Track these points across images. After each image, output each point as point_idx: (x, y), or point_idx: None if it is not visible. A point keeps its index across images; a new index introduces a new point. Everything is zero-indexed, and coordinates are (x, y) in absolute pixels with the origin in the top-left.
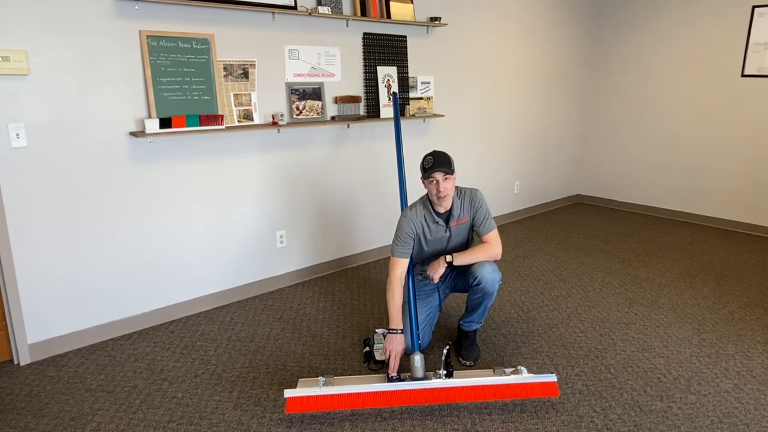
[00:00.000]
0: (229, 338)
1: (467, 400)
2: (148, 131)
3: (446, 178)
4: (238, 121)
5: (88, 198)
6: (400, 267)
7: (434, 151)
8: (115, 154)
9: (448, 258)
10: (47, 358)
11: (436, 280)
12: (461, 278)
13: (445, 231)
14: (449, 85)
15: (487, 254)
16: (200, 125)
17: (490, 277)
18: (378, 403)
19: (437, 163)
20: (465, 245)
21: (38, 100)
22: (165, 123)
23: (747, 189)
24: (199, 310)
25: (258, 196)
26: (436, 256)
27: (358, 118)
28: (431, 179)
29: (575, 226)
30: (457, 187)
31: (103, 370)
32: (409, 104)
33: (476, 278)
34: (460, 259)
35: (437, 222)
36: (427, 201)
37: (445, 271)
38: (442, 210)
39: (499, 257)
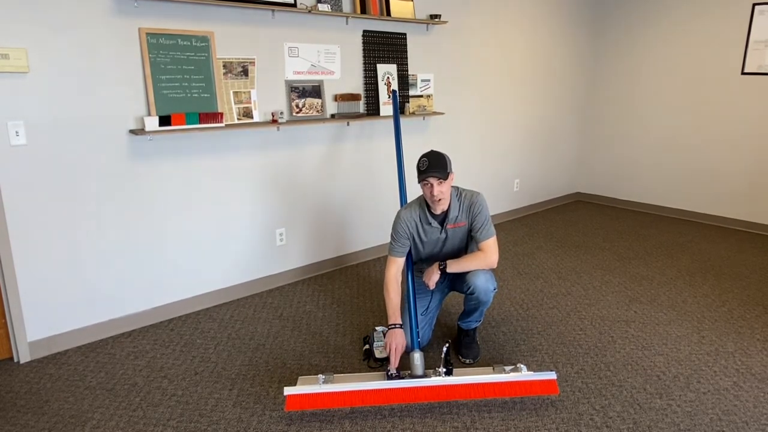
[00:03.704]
0: (229, 336)
1: (467, 397)
2: (147, 129)
3: (441, 182)
4: (238, 119)
5: (87, 196)
6: (395, 266)
7: (430, 152)
8: (115, 152)
9: (442, 265)
10: (47, 355)
11: (432, 287)
12: (459, 280)
13: (441, 233)
14: (449, 83)
15: (481, 263)
16: (200, 123)
17: (483, 287)
18: (378, 400)
19: (432, 166)
20: (463, 248)
21: (37, 98)
22: (164, 121)
23: (747, 187)
24: (198, 308)
25: (258, 194)
26: (432, 256)
27: (357, 116)
28: (426, 182)
29: (575, 224)
30: (457, 188)
31: (103, 368)
32: (408, 102)
33: (470, 288)
34: (454, 267)
35: (431, 224)
36: (423, 201)
37: (441, 276)
38: (438, 211)
39: (494, 266)
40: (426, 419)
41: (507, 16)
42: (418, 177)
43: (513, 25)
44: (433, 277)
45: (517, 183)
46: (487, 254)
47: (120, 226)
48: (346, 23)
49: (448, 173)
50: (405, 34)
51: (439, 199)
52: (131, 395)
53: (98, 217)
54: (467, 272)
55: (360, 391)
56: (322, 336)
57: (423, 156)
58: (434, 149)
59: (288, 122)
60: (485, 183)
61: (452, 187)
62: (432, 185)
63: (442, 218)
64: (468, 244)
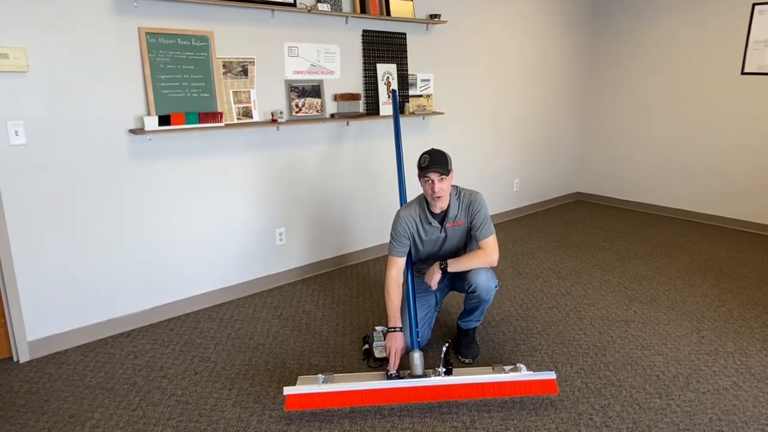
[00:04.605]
0: (229, 336)
1: (466, 397)
2: (147, 129)
3: (442, 179)
4: (238, 119)
5: (87, 195)
6: (396, 266)
7: (431, 150)
8: (115, 152)
9: (443, 264)
10: (47, 355)
11: (434, 287)
12: (459, 279)
13: (440, 231)
14: (449, 83)
15: (482, 261)
16: (199, 123)
17: (485, 285)
18: (377, 400)
19: (433, 162)
20: (462, 247)
21: (37, 98)
22: (164, 120)
23: (746, 187)
24: (198, 308)
25: (257, 194)
26: (431, 256)
27: (357, 116)
28: (426, 179)
29: (574, 224)
30: (457, 187)
31: (103, 368)
32: (408, 102)
33: (471, 286)
34: (455, 266)
35: (431, 223)
36: (423, 200)
37: (442, 276)
38: (437, 210)
39: (495, 264)
40: (425, 419)
41: (507, 15)
42: (419, 173)
43: (513, 24)
44: (434, 277)
45: (517, 183)
46: (488, 252)
47: (119, 225)
48: (346, 23)
49: (449, 170)
50: (405, 34)
51: (440, 196)
52: (131, 395)
53: (98, 216)
54: (468, 271)
55: (359, 390)
56: (322, 336)
57: (424, 153)
58: (435, 147)
59: (288, 122)
60: (485, 183)
61: (452, 186)
62: (433, 182)
63: (442, 217)
64: (467, 244)
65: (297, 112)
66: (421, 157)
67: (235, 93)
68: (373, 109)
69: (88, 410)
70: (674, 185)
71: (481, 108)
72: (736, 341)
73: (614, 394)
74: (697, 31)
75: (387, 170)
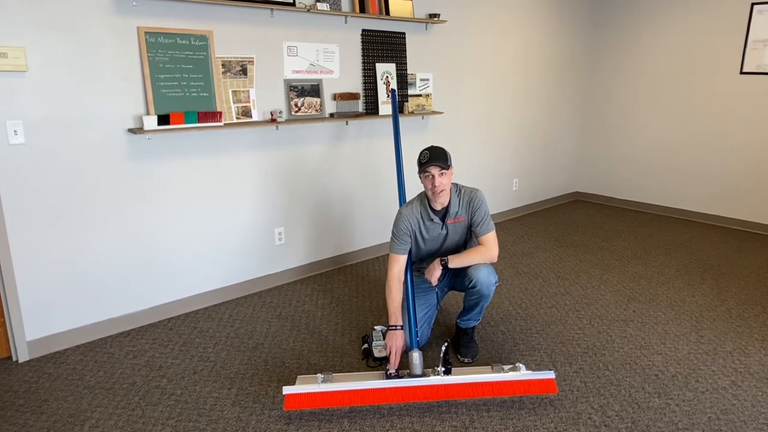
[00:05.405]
0: (228, 335)
1: (465, 397)
2: (146, 128)
3: (442, 173)
4: (237, 118)
5: (86, 195)
6: (397, 264)
7: (431, 146)
8: (113, 151)
9: (443, 260)
10: (46, 355)
11: (435, 284)
12: (459, 278)
13: (442, 228)
14: (448, 83)
15: (483, 257)
16: (198, 122)
17: (485, 280)
18: (376, 400)
19: (433, 157)
20: (462, 244)
21: (36, 97)
22: (163, 120)
23: (745, 187)
24: (197, 307)
25: (256, 193)
26: (432, 254)
27: (356, 115)
28: (427, 174)
29: (573, 224)
30: (457, 185)
31: (102, 367)
32: (407, 101)
33: (472, 281)
34: (456, 262)
35: (433, 219)
36: (424, 198)
37: (442, 272)
38: (438, 206)
39: (495, 260)
40: (425, 418)
41: (506, 15)
42: (419, 169)
43: (512, 24)
44: (435, 272)
45: (516, 182)
46: (488, 248)
47: (118, 225)
48: (345, 22)
49: (449, 165)
50: (404, 33)
51: (440, 191)
52: (130, 394)
53: (96, 216)
54: (468, 267)
55: (359, 390)
56: (321, 335)
57: (424, 149)
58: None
59: (287, 121)
60: (484, 182)
61: (452, 183)
62: (433, 176)
63: (443, 214)
64: (467, 241)
65: (296, 112)
66: (421, 153)
67: (234, 92)
68: (372, 109)
69: (87, 410)
70: (673, 185)
71: (480, 107)
72: (734, 341)
73: (613, 393)
74: (696, 31)
75: (386, 169)
